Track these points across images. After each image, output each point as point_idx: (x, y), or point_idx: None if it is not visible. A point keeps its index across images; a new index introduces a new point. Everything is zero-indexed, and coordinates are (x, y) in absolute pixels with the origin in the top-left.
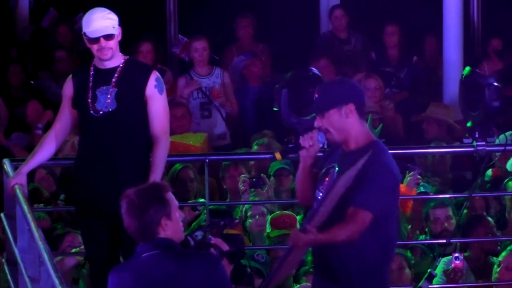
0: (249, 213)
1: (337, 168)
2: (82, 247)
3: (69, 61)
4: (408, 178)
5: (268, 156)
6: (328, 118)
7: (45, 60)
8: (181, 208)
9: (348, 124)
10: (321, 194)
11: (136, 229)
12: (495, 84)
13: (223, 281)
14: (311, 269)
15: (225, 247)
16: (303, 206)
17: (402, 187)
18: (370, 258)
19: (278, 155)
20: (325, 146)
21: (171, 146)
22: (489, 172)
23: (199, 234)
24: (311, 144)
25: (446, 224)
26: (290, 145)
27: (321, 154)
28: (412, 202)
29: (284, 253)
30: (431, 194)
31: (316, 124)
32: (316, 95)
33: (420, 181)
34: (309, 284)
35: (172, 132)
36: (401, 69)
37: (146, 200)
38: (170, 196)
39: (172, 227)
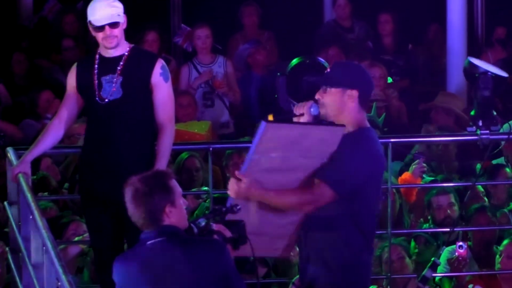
0: None
1: None
2: (86, 235)
3: (76, 50)
4: (414, 167)
5: None
6: (330, 94)
7: (49, 49)
8: (184, 196)
9: (346, 108)
10: None
11: (140, 216)
12: (490, 73)
13: (230, 266)
14: None
15: (228, 233)
16: None
17: (408, 175)
18: (346, 247)
19: (270, 117)
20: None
21: (176, 134)
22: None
23: (202, 221)
24: (301, 112)
25: (448, 211)
26: None
27: None
28: (417, 191)
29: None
30: (436, 182)
31: (317, 95)
32: (329, 69)
33: (425, 169)
34: None
35: (178, 121)
36: (399, 57)
37: (150, 188)
38: (174, 183)
39: (177, 214)
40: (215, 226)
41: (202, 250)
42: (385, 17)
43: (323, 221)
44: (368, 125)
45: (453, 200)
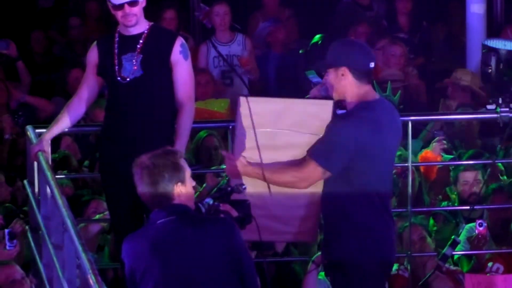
0: None
1: None
2: (106, 213)
3: (83, 28)
4: (434, 144)
5: None
6: (328, 76)
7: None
8: (204, 175)
9: (342, 85)
10: None
11: (150, 195)
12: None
13: (240, 244)
14: None
15: (234, 213)
16: None
17: (428, 153)
18: (341, 203)
19: None
20: None
21: (195, 112)
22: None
23: (209, 201)
24: (315, 95)
25: (474, 188)
26: None
27: None
28: (437, 168)
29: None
30: (457, 160)
31: (323, 78)
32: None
33: (445, 146)
34: None
35: (196, 99)
36: (414, 35)
37: (160, 166)
38: (183, 162)
39: (186, 193)
40: (221, 206)
41: (212, 228)
42: None
43: (329, 198)
44: (374, 97)
45: (480, 177)
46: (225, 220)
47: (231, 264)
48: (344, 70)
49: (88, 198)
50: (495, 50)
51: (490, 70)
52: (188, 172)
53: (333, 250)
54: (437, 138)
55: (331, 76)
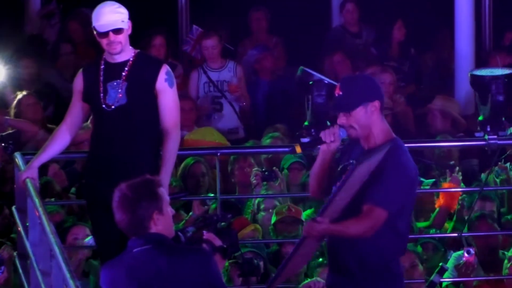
0: (262, 206)
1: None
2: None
3: (74, 55)
4: (454, 175)
5: (281, 149)
6: (355, 116)
7: (52, 55)
8: (191, 202)
9: (371, 121)
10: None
11: (128, 223)
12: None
13: (215, 276)
14: (325, 261)
15: (218, 242)
16: (315, 199)
17: (447, 184)
18: (385, 252)
19: (298, 148)
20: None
21: (193, 144)
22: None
23: (190, 230)
24: (332, 140)
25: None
26: (306, 139)
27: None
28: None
29: (295, 246)
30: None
31: (339, 121)
32: (340, 92)
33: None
34: (319, 279)
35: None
36: (403, 63)
37: (138, 194)
38: (162, 191)
39: (164, 222)
40: (205, 235)
41: (187, 259)
42: (399, 23)
43: (371, 243)
44: (394, 135)
45: (494, 208)
46: (201, 250)
47: None
48: (375, 104)
49: (69, 225)
50: (499, 77)
51: (501, 97)
52: (166, 201)
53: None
54: (457, 169)
55: (360, 114)
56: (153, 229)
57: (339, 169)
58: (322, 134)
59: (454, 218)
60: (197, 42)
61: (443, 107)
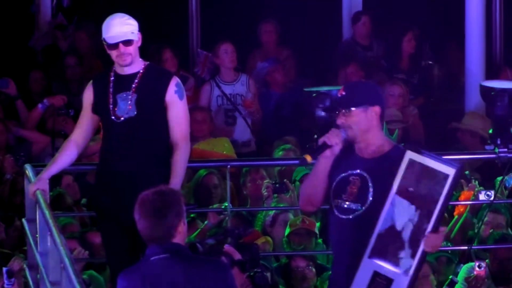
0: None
1: (367, 175)
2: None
3: (79, 67)
4: (470, 185)
5: (292, 162)
6: (354, 116)
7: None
8: (204, 213)
9: (371, 126)
10: (347, 203)
11: (154, 230)
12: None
13: (231, 287)
14: None
15: (237, 255)
16: (323, 212)
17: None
18: None
19: (308, 158)
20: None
21: (200, 153)
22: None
23: (210, 241)
24: (337, 142)
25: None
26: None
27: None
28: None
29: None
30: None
31: (339, 121)
32: (343, 92)
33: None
34: None
35: (192, 137)
36: (413, 75)
37: (168, 202)
38: (183, 201)
39: (184, 232)
40: (225, 247)
41: (204, 269)
42: (409, 35)
43: None
44: (393, 141)
45: (503, 222)
46: (219, 261)
47: None
48: (376, 109)
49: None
50: (506, 90)
51: (504, 110)
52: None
53: None
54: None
55: (358, 115)
56: (177, 238)
57: (337, 180)
58: (325, 139)
59: (459, 223)
60: (205, 64)
61: (472, 127)
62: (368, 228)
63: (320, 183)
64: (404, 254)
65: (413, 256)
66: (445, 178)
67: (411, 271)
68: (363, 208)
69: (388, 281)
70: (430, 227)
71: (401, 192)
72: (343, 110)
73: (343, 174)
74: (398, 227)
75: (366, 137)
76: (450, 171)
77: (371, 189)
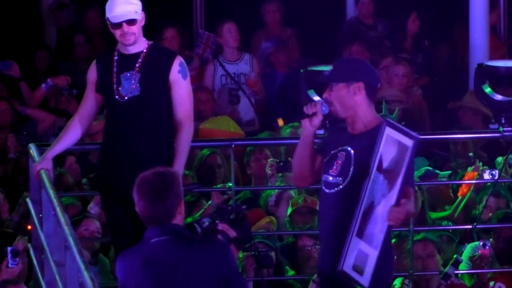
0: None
1: (352, 150)
2: None
3: (88, 45)
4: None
5: (296, 141)
6: (336, 91)
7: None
8: (208, 193)
9: (354, 102)
10: (331, 177)
11: (152, 212)
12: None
13: (232, 267)
14: None
15: (232, 233)
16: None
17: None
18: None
19: (280, 121)
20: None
21: (208, 133)
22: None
23: (206, 221)
24: (314, 111)
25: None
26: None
27: (318, 140)
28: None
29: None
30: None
31: (324, 95)
32: (332, 67)
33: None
34: None
35: (195, 116)
36: (417, 55)
37: (168, 183)
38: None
39: (182, 213)
40: (219, 226)
41: (205, 249)
42: (414, 15)
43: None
44: (381, 118)
45: (504, 205)
46: (218, 242)
47: (222, 286)
48: (359, 85)
49: (81, 217)
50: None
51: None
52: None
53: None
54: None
55: (341, 92)
56: (177, 219)
57: (328, 157)
58: (304, 108)
59: (463, 203)
60: (207, 44)
61: (473, 104)
62: (350, 203)
63: (307, 155)
64: (377, 229)
65: (382, 231)
66: (405, 149)
67: (379, 246)
68: (345, 182)
69: (365, 257)
70: (393, 200)
71: (379, 168)
72: (330, 85)
73: (333, 151)
74: (376, 203)
75: (352, 114)
76: (409, 142)
77: (352, 164)
